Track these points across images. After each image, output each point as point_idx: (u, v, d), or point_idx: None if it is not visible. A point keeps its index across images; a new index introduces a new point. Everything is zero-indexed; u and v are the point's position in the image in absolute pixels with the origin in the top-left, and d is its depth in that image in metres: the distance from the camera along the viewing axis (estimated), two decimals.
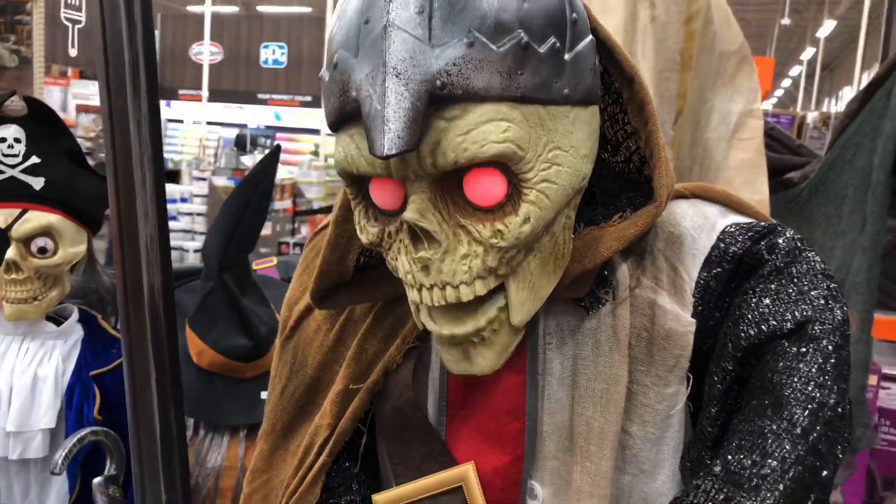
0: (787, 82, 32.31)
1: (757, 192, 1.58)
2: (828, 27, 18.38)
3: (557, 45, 0.69)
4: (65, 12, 6.73)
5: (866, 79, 1.73)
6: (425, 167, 0.68)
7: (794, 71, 28.94)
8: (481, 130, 0.66)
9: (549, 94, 0.69)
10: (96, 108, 12.44)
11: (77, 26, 6.93)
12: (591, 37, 0.74)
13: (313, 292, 0.89)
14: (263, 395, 1.81)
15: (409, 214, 0.70)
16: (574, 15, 0.71)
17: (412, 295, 0.75)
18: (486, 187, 0.69)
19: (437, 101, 0.65)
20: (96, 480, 1.01)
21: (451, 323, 0.75)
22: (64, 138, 1.51)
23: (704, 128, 1.58)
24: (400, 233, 0.73)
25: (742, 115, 1.61)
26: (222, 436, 1.73)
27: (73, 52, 6.89)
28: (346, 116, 0.69)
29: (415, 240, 0.72)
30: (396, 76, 0.64)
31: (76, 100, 12.47)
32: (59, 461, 1.16)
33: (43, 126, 1.48)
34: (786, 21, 18.42)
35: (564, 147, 0.71)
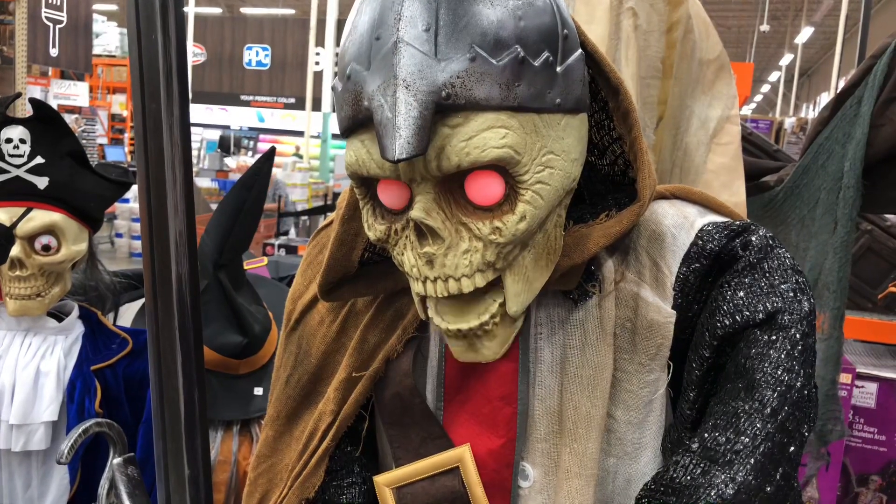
0: (766, 87, 32.58)
1: (734, 195, 1.60)
2: (805, 34, 18.57)
3: (550, 58, 0.73)
4: (45, 12, 6.66)
5: (843, 84, 1.78)
6: (431, 170, 0.72)
7: (773, 76, 29.19)
8: (482, 137, 0.71)
9: (542, 103, 0.74)
10: (77, 108, 12.32)
11: (58, 26, 6.86)
12: (580, 50, 0.79)
13: (320, 285, 0.93)
14: (256, 391, 1.83)
15: (416, 213, 0.74)
16: (565, 31, 0.76)
17: (417, 287, 0.79)
18: (486, 188, 0.74)
19: (442, 110, 0.69)
20: (117, 461, 1.04)
21: (457, 319, 0.80)
22: (67, 139, 1.53)
23: (684, 132, 1.60)
24: (406, 230, 0.77)
25: (720, 121, 1.62)
26: (216, 431, 1.75)
27: (53, 52, 6.83)
28: (358, 123, 0.74)
29: (420, 236, 0.76)
30: (406, 88, 0.68)
31: (57, 100, 12.33)
32: (66, 451, 1.18)
33: (47, 127, 1.50)
34: (765, 27, 18.61)
35: (557, 151, 0.76)
